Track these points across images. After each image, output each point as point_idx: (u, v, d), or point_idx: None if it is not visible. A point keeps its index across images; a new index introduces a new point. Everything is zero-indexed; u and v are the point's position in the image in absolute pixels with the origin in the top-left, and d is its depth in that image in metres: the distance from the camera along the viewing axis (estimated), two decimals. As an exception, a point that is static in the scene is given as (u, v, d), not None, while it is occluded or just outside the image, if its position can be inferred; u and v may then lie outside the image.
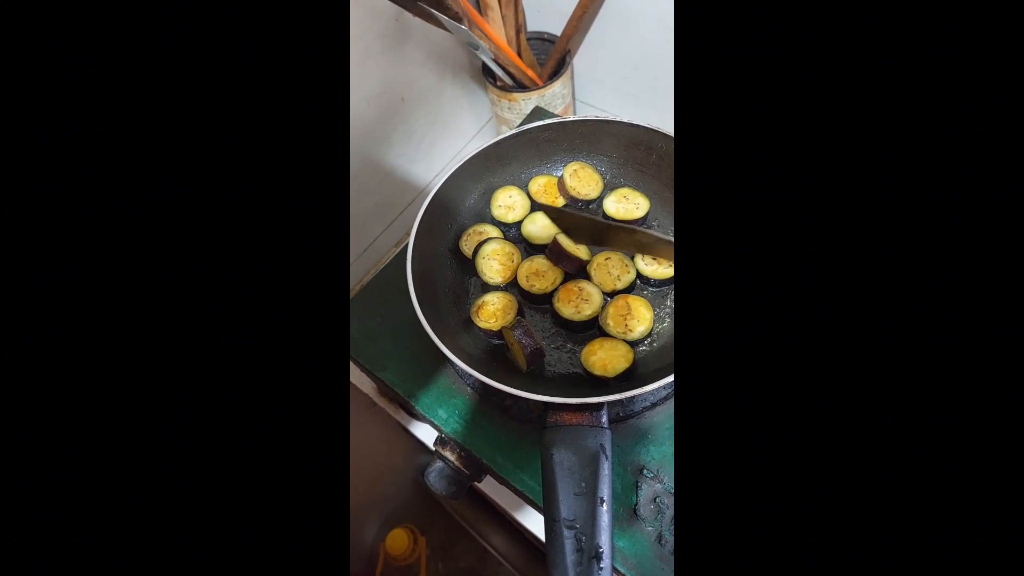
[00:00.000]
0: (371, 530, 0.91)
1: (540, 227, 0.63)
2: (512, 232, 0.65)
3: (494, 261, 0.61)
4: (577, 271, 0.59)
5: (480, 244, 0.61)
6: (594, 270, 0.59)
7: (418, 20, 0.70)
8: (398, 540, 0.88)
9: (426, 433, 0.75)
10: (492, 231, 0.63)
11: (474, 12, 0.72)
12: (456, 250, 0.63)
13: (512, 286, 0.61)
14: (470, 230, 0.64)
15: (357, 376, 0.78)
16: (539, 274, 0.60)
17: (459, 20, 0.68)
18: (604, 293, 0.58)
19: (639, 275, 0.59)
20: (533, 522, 0.67)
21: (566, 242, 0.58)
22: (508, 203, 0.65)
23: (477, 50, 0.74)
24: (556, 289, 0.58)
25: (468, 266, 0.63)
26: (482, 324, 0.57)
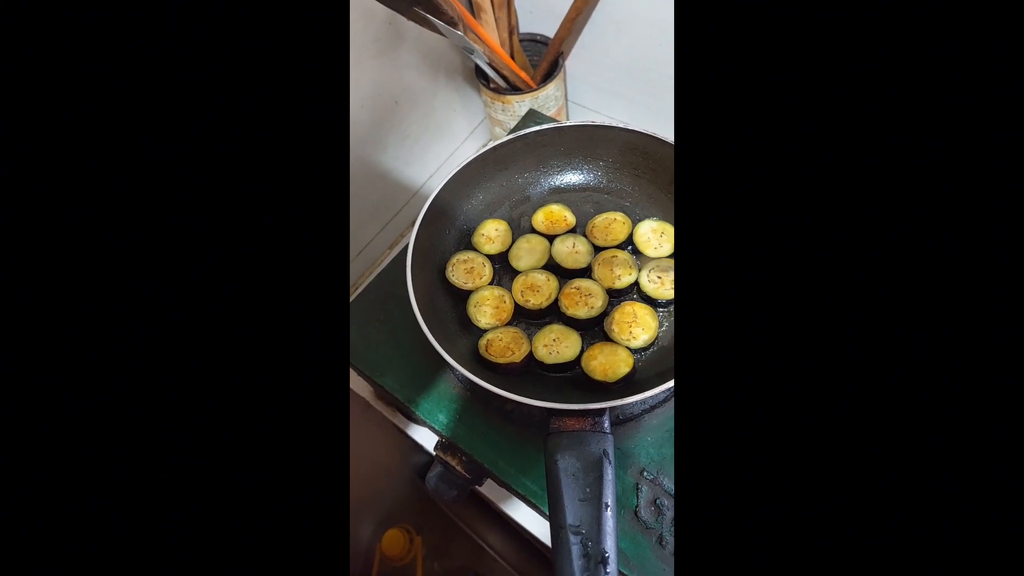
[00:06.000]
0: (366, 531, 0.91)
1: (527, 254, 0.62)
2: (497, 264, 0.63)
3: (486, 307, 0.60)
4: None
5: (469, 295, 0.60)
6: (597, 265, 0.60)
7: (411, 23, 0.70)
8: (394, 541, 0.88)
9: (422, 434, 0.75)
10: (477, 258, 0.62)
11: (469, 16, 0.72)
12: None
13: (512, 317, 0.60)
14: (453, 259, 0.62)
15: (353, 379, 0.78)
16: (534, 288, 0.60)
17: (454, 25, 0.68)
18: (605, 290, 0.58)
19: (640, 291, 0.59)
20: (528, 519, 0.68)
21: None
22: (492, 235, 0.64)
23: (472, 54, 0.74)
24: (553, 302, 0.58)
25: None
26: (501, 361, 0.55)
